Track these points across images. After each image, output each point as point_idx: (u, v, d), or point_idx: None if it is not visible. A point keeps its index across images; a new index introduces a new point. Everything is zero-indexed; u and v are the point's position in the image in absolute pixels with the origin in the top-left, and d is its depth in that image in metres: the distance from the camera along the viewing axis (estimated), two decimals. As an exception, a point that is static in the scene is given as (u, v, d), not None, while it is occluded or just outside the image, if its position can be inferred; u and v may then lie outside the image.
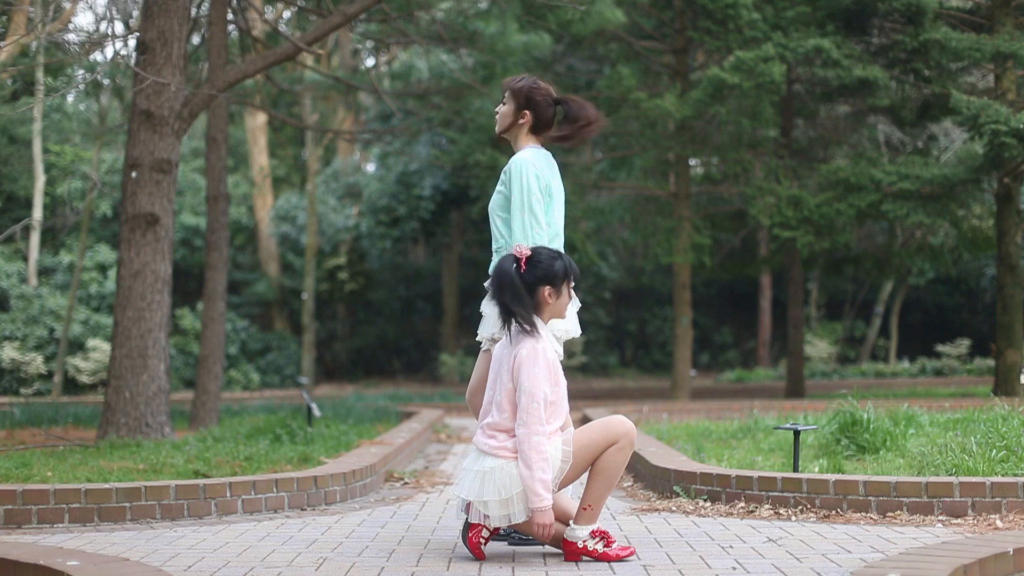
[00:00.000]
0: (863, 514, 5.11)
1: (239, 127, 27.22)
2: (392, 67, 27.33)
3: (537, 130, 4.68)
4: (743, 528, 4.93)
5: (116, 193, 20.44)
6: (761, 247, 22.27)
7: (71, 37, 15.36)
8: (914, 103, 16.15)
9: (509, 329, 4.26)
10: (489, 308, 4.52)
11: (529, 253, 4.28)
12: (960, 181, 14.49)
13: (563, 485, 4.25)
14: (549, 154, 4.68)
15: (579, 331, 4.66)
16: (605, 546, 4.21)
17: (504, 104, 4.70)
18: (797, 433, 5.89)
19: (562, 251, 4.37)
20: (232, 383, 22.49)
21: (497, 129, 4.74)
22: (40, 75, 18.84)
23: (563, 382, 4.27)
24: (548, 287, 4.24)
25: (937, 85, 15.06)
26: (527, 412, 4.11)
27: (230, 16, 11.90)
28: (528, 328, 4.20)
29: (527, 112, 4.65)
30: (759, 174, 16.75)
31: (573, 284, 4.32)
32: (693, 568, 4.03)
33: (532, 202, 4.49)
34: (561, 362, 4.40)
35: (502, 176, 4.63)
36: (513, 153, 4.72)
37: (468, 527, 4.28)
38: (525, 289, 4.22)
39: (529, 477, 4.09)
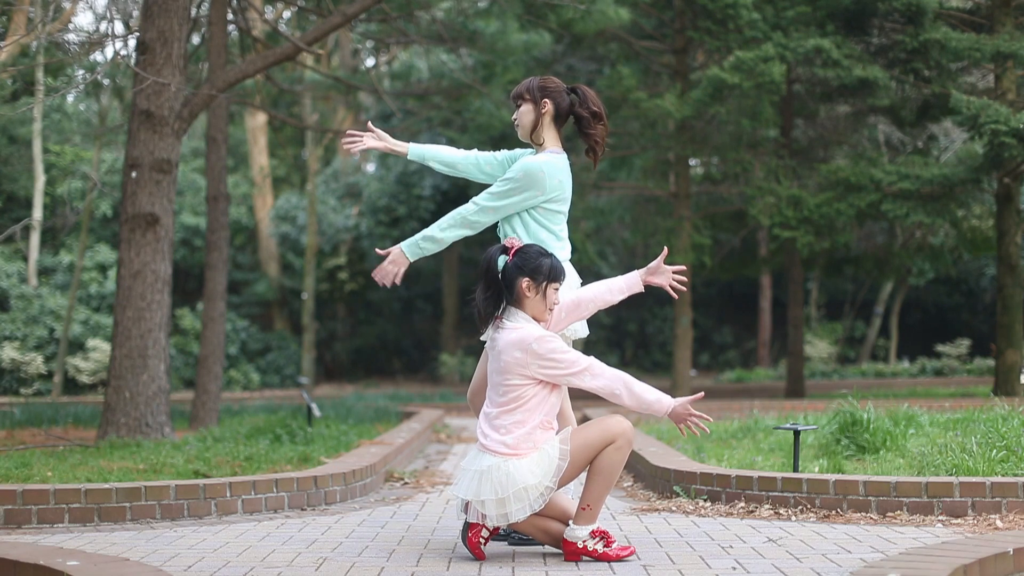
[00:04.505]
0: (863, 514, 5.11)
1: (239, 127, 27.22)
2: (392, 67, 27.33)
3: (559, 119, 4.69)
4: (743, 528, 4.93)
5: (116, 193, 20.39)
6: (761, 247, 22.27)
7: (71, 37, 15.36)
8: (914, 103, 16.15)
9: (494, 313, 4.28)
10: None
11: (521, 245, 4.30)
12: (960, 181, 14.48)
13: (561, 484, 4.25)
14: (565, 156, 4.70)
15: (586, 331, 4.68)
16: (605, 546, 4.21)
17: (519, 109, 4.71)
18: (797, 433, 5.89)
19: (554, 254, 4.38)
20: (232, 383, 22.49)
21: (521, 135, 4.73)
22: (40, 75, 18.84)
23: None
24: (527, 279, 4.24)
25: (937, 85, 15.06)
26: (579, 370, 4.17)
27: (230, 16, 11.89)
28: (493, 312, 4.25)
29: (546, 101, 4.66)
30: (759, 174, 16.74)
31: (558, 286, 4.31)
32: (693, 568, 4.04)
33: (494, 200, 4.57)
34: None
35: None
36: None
37: (468, 527, 4.28)
38: (505, 277, 4.24)
39: (633, 405, 4.17)
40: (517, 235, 4.60)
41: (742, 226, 19.44)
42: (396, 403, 15.43)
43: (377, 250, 4.81)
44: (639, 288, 4.53)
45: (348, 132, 4.96)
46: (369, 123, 5.04)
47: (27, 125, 22.28)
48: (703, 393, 4.44)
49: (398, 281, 4.68)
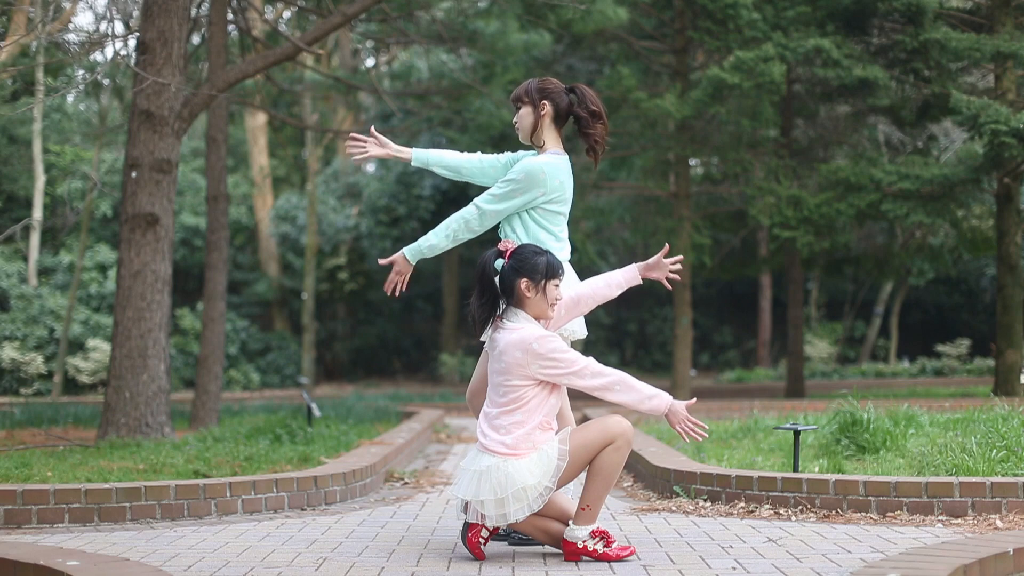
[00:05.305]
0: (863, 514, 5.11)
1: (239, 127, 27.22)
2: (392, 67, 27.31)
3: (558, 119, 4.69)
4: (743, 528, 4.93)
5: (116, 193, 20.39)
6: (761, 247, 22.27)
7: (71, 37, 15.37)
8: (914, 103, 16.15)
9: (489, 319, 4.28)
10: None
11: (515, 246, 4.31)
12: (960, 181, 14.48)
13: (560, 484, 4.25)
14: (567, 157, 4.69)
15: (585, 332, 4.68)
16: (605, 546, 4.21)
17: (519, 112, 4.71)
18: (797, 433, 5.89)
19: (550, 250, 4.38)
20: (232, 383, 22.49)
21: (522, 137, 4.72)
22: (40, 75, 18.83)
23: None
24: (525, 280, 4.24)
25: (937, 85, 15.06)
26: (579, 369, 4.15)
27: (230, 16, 11.89)
28: (489, 317, 4.26)
29: (545, 102, 4.66)
30: (759, 174, 16.74)
31: (558, 283, 4.31)
32: (693, 568, 4.04)
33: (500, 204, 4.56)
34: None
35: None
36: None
37: (468, 527, 4.28)
38: (503, 280, 4.24)
39: (632, 403, 4.16)
40: (517, 236, 4.59)
41: (742, 226, 19.45)
42: (396, 403, 15.42)
43: (380, 260, 4.81)
44: (637, 281, 4.56)
45: (351, 136, 4.95)
46: (372, 128, 5.02)
47: (27, 125, 22.27)
48: (695, 399, 4.44)
49: (404, 287, 4.68)
